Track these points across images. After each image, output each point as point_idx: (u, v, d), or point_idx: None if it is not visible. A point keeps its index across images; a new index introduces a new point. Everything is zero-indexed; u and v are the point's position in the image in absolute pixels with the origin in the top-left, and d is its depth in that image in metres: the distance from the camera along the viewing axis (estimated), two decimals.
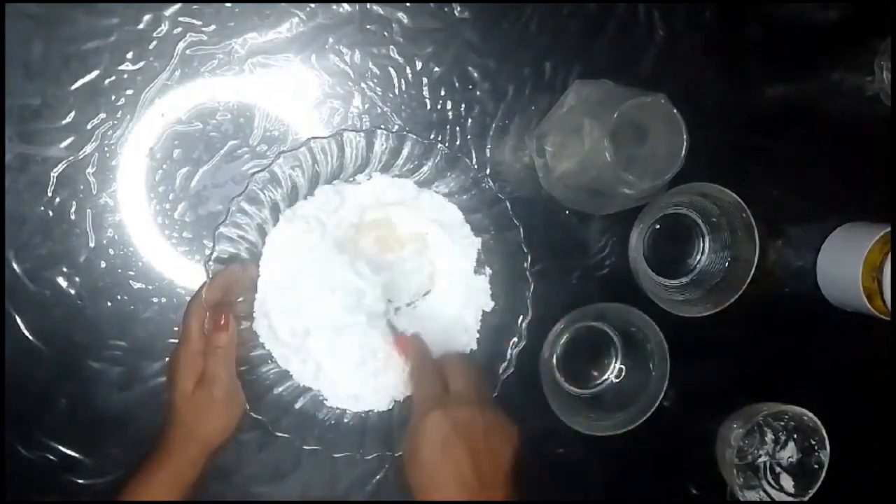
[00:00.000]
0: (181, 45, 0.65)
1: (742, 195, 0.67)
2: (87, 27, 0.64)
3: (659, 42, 0.71)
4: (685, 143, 0.57)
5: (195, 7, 0.65)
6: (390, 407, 0.63)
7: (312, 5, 0.66)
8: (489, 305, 0.65)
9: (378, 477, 0.70)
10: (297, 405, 0.62)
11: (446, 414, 0.51)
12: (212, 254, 0.59)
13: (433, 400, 0.52)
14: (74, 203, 0.65)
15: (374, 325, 0.62)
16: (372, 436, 0.62)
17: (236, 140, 0.66)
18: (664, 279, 0.73)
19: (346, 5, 0.66)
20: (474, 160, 0.69)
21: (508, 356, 0.63)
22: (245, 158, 0.66)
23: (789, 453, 0.73)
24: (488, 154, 0.69)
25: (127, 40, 0.64)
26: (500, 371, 0.62)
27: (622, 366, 0.73)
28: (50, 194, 0.65)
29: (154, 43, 0.64)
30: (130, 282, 0.66)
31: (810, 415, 0.70)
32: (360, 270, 0.62)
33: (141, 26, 0.64)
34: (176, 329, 0.65)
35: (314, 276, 0.62)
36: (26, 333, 0.65)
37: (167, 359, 0.64)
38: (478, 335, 0.65)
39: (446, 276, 0.65)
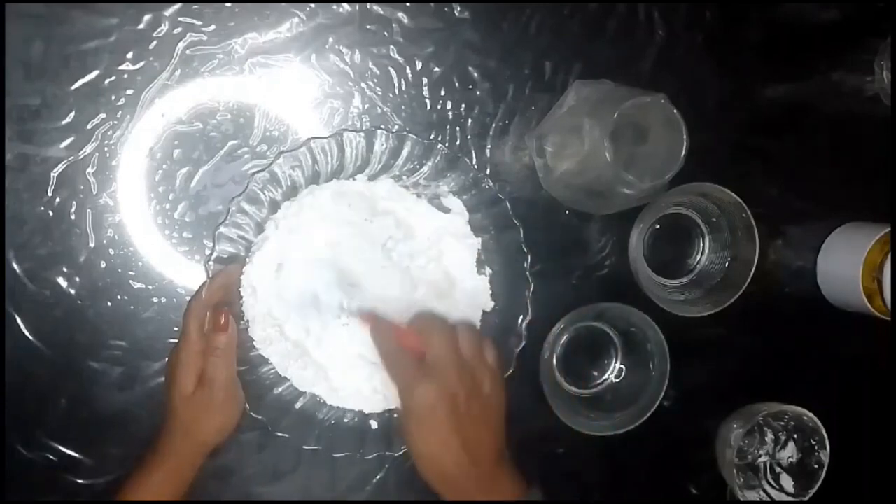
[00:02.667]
0: (181, 45, 0.65)
1: (742, 195, 0.67)
2: (87, 27, 0.64)
3: (659, 42, 0.71)
4: (685, 143, 0.57)
5: (195, 7, 0.64)
6: (391, 407, 0.63)
7: (312, 5, 0.66)
8: (489, 305, 0.65)
9: (378, 477, 0.70)
10: (297, 405, 0.62)
11: (425, 389, 0.50)
12: (212, 254, 0.59)
13: (409, 377, 0.51)
14: (74, 203, 0.65)
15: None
16: (372, 436, 0.62)
17: (236, 140, 0.66)
18: (664, 279, 0.73)
19: (346, 5, 0.66)
20: (474, 160, 0.69)
21: (508, 356, 0.62)
22: (245, 158, 0.66)
23: (789, 453, 0.73)
24: (488, 154, 0.69)
25: (127, 40, 0.64)
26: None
27: (622, 366, 0.73)
28: (50, 194, 0.65)
29: (154, 43, 0.64)
30: (130, 282, 0.66)
31: (810, 415, 0.70)
32: (359, 272, 0.62)
33: (141, 26, 0.64)
34: (176, 329, 0.65)
35: (312, 278, 0.62)
36: (26, 333, 0.65)
37: (167, 359, 0.64)
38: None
39: (446, 276, 0.65)
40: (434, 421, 0.50)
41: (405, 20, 0.67)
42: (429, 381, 0.51)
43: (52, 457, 0.67)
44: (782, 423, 0.73)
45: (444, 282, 0.65)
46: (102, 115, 0.64)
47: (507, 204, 0.61)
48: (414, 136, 0.60)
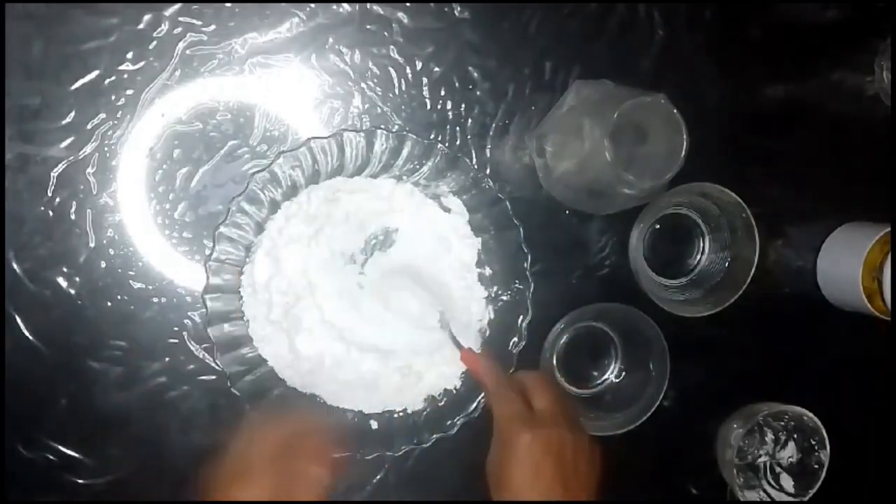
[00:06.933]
0: (181, 45, 0.65)
1: (742, 195, 0.67)
2: (87, 27, 0.64)
3: (659, 42, 0.71)
4: (685, 143, 0.57)
5: (195, 7, 0.64)
6: (390, 407, 0.63)
7: (312, 5, 0.66)
8: (489, 306, 0.65)
9: (378, 477, 0.70)
10: (297, 405, 0.62)
11: (535, 435, 0.51)
12: (212, 254, 0.59)
13: (519, 420, 0.52)
14: (74, 203, 0.65)
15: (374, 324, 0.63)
16: (372, 436, 0.62)
17: (236, 140, 0.66)
18: (664, 279, 0.73)
19: (346, 5, 0.66)
20: (474, 160, 0.69)
21: (509, 356, 0.62)
22: (245, 158, 0.66)
23: (789, 453, 0.73)
24: (488, 154, 0.69)
25: (127, 40, 0.64)
26: None
27: (622, 366, 0.73)
28: (50, 194, 0.65)
29: (154, 43, 0.64)
30: (130, 282, 0.66)
31: (810, 415, 0.70)
32: (359, 274, 0.62)
33: (141, 26, 0.64)
34: (176, 329, 0.66)
35: (312, 278, 0.62)
36: (26, 333, 0.65)
37: (167, 359, 0.64)
38: (480, 337, 0.65)
39: (446, 275, 0.65)
40: (528, 473, 0.50)
41: (405, 20, 0.67)
42: (537, 428, 0.51)
43: (52, 457, 0.66)
44: (782, 423, 0.73)
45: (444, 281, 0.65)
46: (102, 115, 0.64)
47: (507, 204, 0.61)
48: (414, 136, 0.60)
